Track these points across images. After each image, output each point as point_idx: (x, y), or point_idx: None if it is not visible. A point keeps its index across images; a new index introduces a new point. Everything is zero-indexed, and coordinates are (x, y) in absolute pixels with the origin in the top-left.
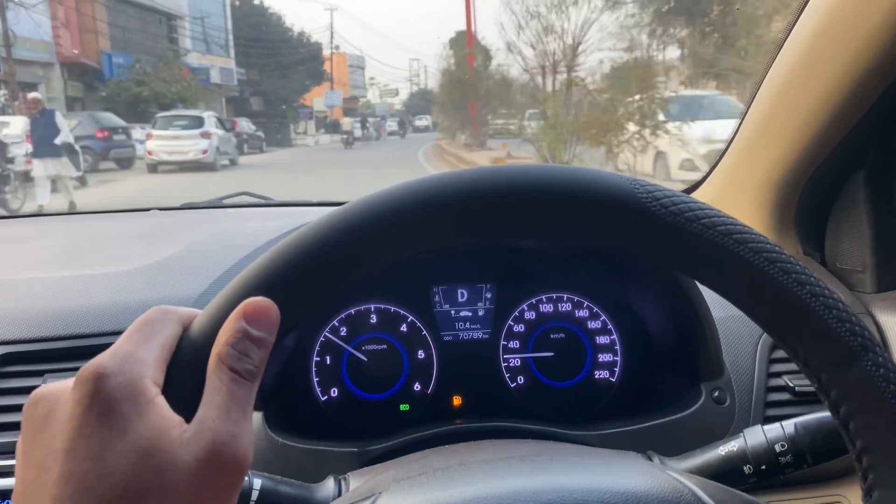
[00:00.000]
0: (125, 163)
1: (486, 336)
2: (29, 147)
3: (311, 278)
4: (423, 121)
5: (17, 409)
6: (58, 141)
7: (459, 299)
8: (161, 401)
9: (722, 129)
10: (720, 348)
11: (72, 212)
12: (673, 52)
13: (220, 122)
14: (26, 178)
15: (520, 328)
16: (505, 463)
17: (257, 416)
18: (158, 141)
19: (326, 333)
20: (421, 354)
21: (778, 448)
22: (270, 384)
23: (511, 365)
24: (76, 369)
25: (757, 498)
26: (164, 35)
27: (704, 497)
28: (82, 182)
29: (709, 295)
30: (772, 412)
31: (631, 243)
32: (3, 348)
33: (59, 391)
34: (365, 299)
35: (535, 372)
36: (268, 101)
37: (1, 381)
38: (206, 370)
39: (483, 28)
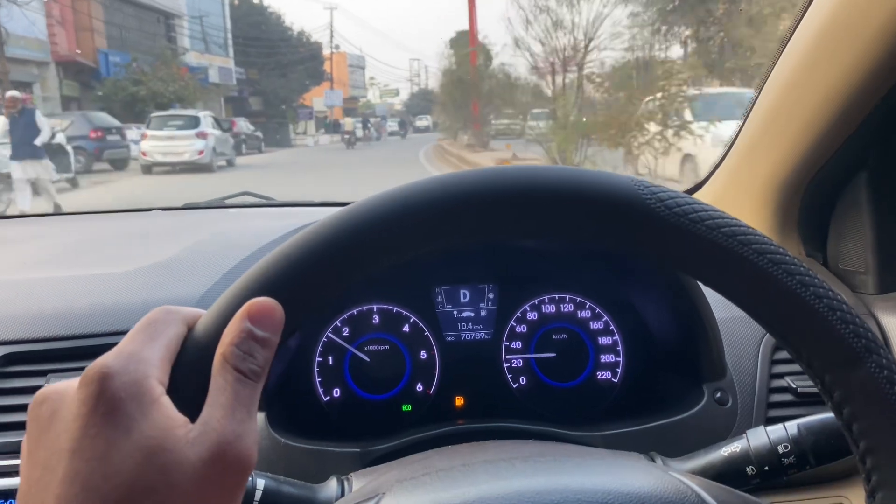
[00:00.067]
0: (119, 164)
1: (489, 336)
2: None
3: (315, 279)
4: (423, 121)
5: (20, 408)
6: (38, 142)
7: (462, 300)
8: (166, 400)
9: None
10: (722, 349)
11: (73, 212)
12: (694, 49)
13: (217, 122)
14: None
15: (522, 329)
16: (508, 464)
17: (260, 417)
18: (153, 141)
19: (329, 334)
20: (423, 355)
21: (781, 449)
22: (273, 384)
23: (513, 365)
24: (79, 369)
25: (760, 499)
26: (162, 34)
27: (707, 498)
28: (73, 183)
29: (711, 296)
30: (774, 413)
31: (635, 244)
32: (6, 348)
33: (63, 391)
34: (367, 299)
35: (537, 372)
36: (267, 100)
37: (4, 380)
38: (210, 370)
39: (485, 27)
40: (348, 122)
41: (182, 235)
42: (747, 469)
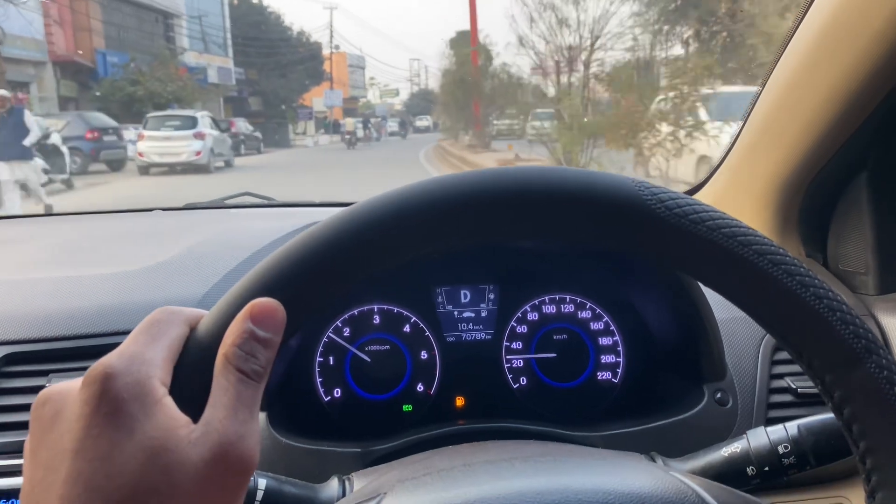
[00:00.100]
0: (116, 164)
1: (489, 337)
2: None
3: (317, 279)
4: (423, 121)
5: (21, 408)
6: (27, 142)
7: (462, 300)
8: (169, 401)
9: None
10: (723, 350)
11: (75, 212)
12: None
13: (215, 123)
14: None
15: (522, 329)
16: (509, 464)
17: (261, 417)
18: (150, 142)
19: (330, 334)
20: (424, 355)
21: (781, 449)
22: (274, 384)
23: (514, 366)
24: (80, 369)
25: (760, 499)
26: (161, 34)
27: (708, 498)
28: (68, 185)
29: (711, 296)
30: (774, 413)
31: (635, 245)
32: (7, 348)
33: (66, 391)
34: (368, 300)
35: (537, 373)
36: (267, 101)
37: (5, 380)
38: (212, 370)
39: (487, 25)
40: (349, 123)
41: (183, 235)
42: (747, 469)
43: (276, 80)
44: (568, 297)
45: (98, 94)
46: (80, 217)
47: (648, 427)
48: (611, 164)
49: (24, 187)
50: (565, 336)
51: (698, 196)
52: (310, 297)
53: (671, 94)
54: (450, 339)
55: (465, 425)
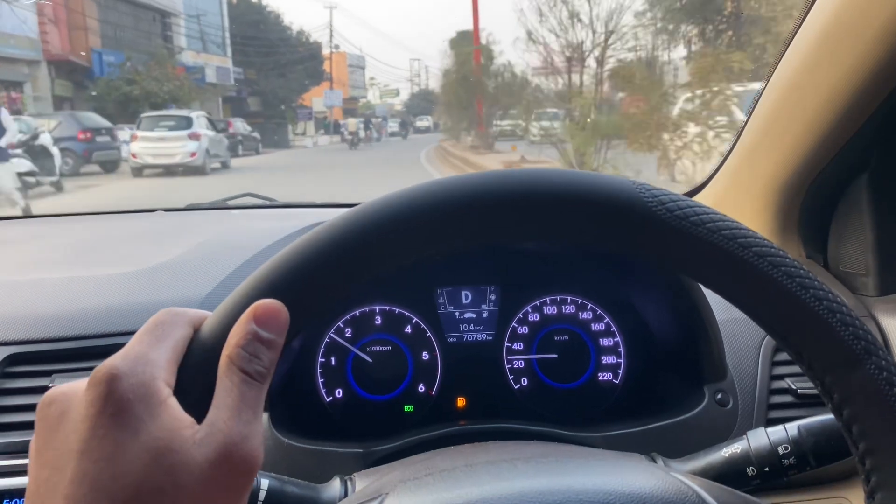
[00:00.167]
0: (110, 166)
1: (490, 338)
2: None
3: (320, 281)
4: (424, 121)
5: (25, 408)
6: (2, 142)
7: (463, 301)
8: (173, 402)
9: None
10: (723, 350)
11: (76, 213)
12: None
13: (211, 123)
14: None
15: (523, 330)
16: (510, 464)
17: (263, 417)
18: (143, 143)
19: (331, 334)
20: (425, 356)
21: (781, 450)
22: (276, 385)
23: (515, 366)
24: (84, 370)
25: (760, 499)
26: (158, 33)
27: (708, 498)
28: (58, 187)
29: (711, 297)
30: (774, 414)
31: (636, 247)
32: (10, 349)
33: (72, 392)
34: (370, 300)
35: (538, 374)
36: (266, 101)
37: (9, 381)
38: (216, 371)
39: (489, 24)
40: (352, 123)
41: (185, 236)
42: (748, 470)
43: (275, 79)
44: (569, 297)
45: (94, 93)
46: (82, 218)
47: (649, 428)
48: (627, 167)
49: None
50: (566, 337)
51: (699, 197)
52: (313, 299)
53: (699, 91)
54: (451, 339)
55: (466, 426)
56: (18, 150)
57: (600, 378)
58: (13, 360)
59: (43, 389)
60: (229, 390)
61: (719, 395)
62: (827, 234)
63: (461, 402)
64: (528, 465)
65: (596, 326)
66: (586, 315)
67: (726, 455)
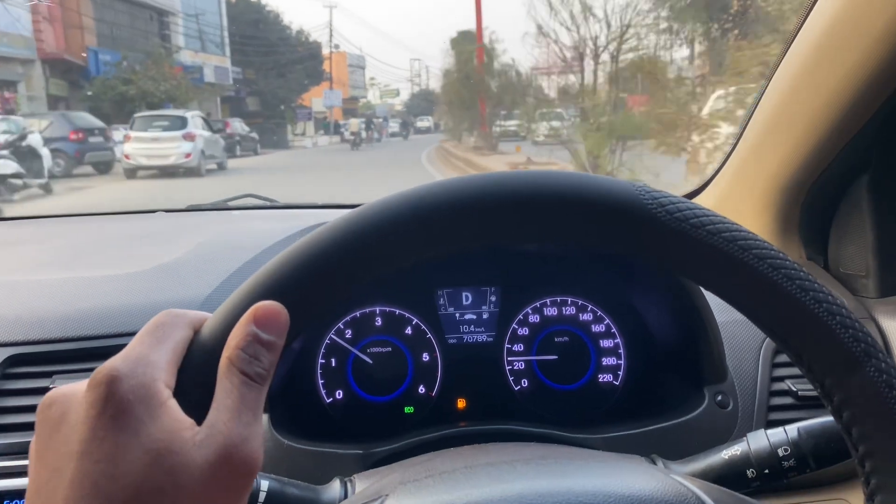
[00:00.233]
0: (103, 167)
1: (491, 339)
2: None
3: (320, 283)
4: (424, 122)
5: (25, 410)
6: None
7: (464, 302)
8: (173, 403)
9: None
10: (723, 352)
11: (77, 213)
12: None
13: (207, 123)
14: None
15: (524, 331)
16: (510, 466)
17: (263, 418)
18: (137, 144)
19: (332, 336)
20: (425, 357)
21: (781, 452)
22: (276, 386)
23: (515, 368)
24: (84, 371)
25: (760, 502)
26: (156, 32)
27: (708, 500)
28: (46, 189)
29: (712, 299)
30: (774, 416)
31: (636, 249)
32: (11, 350)
33: (72, 394)
34: (370, 302)
35: (539, 375)
36: (265, 101)
37: (9, 382)
38: (216, 373)
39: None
40: (354, 123)
41: (186, 237)
42: (748, 472)
43: (274, 79)
44: (569, 299)
45: (89, 93)
46: (82, 218)
47: (649, 429)
48: (644, 170)
49: None
50: (566, 338)
51: (700, 199)
52: (313, 301)
53: (731, 88)
54: (451, 341)
55: (466, 427)
56: (4, 152)
57: (600, 379)
58: (14, 361)
59: (43, 391)
60: (229, 392)
61: (719, 397)
62: (827, 235)
63: (461, 403)
64: (527, 466)
65: (596, 328)
66: (587, 316)
67: (726, 457)
